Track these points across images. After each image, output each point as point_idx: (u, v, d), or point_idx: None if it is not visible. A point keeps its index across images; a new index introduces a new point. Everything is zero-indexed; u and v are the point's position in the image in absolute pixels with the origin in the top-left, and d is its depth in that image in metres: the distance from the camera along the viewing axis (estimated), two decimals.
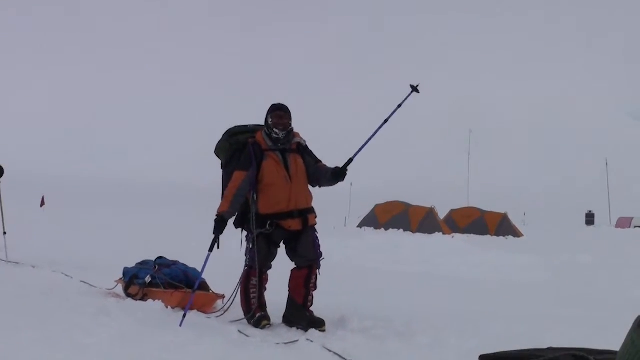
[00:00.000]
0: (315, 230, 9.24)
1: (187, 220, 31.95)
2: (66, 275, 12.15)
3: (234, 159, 9.28)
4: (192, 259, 10.87)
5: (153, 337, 7.80)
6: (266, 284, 9.20)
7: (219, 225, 8.91)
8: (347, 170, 9.12)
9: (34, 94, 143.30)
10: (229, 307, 9.34)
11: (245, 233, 9.23)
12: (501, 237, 34.50)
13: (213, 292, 10.11)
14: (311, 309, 9.06)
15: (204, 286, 10.18)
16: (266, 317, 8.98)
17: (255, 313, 9.00)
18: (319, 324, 8.80)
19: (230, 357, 7.16)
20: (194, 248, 12.23)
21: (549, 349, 6.11)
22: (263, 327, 8.78)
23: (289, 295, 9.16)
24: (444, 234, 31.66)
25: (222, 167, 9.47)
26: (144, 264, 10.76)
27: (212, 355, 7.15)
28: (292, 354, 7.53)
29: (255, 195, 9.05)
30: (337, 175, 9.12)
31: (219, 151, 9.44)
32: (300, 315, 8.96)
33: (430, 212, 35.06)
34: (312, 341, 8.01)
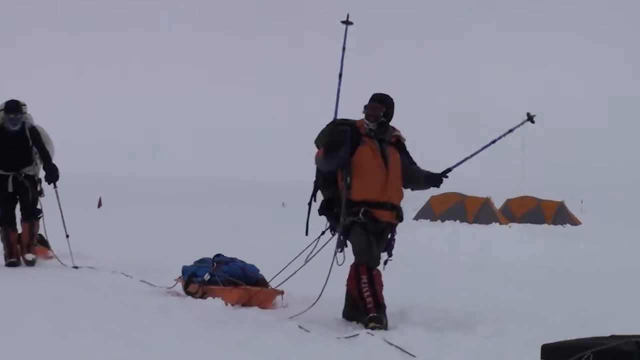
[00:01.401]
0: (395, 231, 9.05)
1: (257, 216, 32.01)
2: (126, 275, 12.23)
3: (332, 146, 8.97)
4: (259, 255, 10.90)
5: (213, 334, 7.85)
6: (380, 280, 8.82)
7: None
8: (443, 177, 9.00)
9: (91, 94, 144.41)
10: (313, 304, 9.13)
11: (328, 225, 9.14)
12: (558, 226, 34.16)
13: (272, 288, 10.11)
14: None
15: (262, 282, 10.22)
16: (376, 319, 8.52)
17: (369, 312, 8.62)
18: (377, 321, 8.59)
19: (290, 352, 7.17)
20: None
21: (612, 336, 6.06)
22: (372, 329, 8.32)
23: (347, 291, 9.03)
24: (500, 223, 31.40)
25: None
26: (202, 261, 10.78)
27: (272, 351, 7.17)
28: (352, 348, 7.51)
29: (349, 179, 8.80)
30: (433, 180, 8.99)
31: (319, 139, 9.19)
32: (358, 310, 8.78)
33: (486, 202, 34.80)
34: (372, 335, 7.98)
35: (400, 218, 9.04)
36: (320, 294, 8.95)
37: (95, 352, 6.72)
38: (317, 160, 9.00)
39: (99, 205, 36.85)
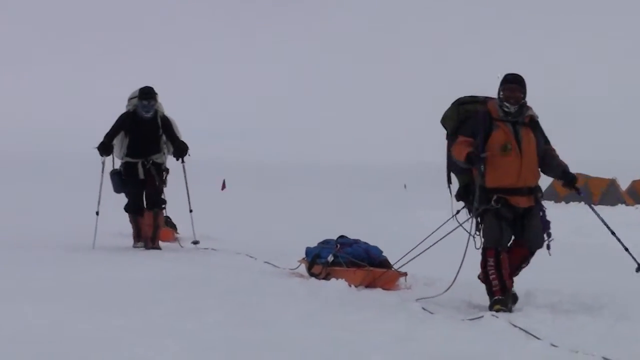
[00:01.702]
0: (543, 209, 8.87)
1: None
2: (250, 257, 12.39)
3: (461, 128, 8.88)
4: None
5: (337, 315, 7.89)
6: (507, 264, 8.63)
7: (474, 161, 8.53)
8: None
9: (221, 79, 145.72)
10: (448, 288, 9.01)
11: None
12: None
13: (395, 270, 10.08)
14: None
15: (385, 264, 10.21)
16: (501, 301, 8.45)
17: (494, 295, 8.55)
18: (515, 300, 8.62)
19: (413, 334, 7.15)
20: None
21: None
22: (497, 312, 8.24)
23: None
24: (627, 205, 30.80)
25: (447, 137, 9.11)
26: (325, 243, 10.82)
27: (396, 332, 7.16)
28: (477, 330, 7.46)
29: (482, 167, 8.57)
30: (568, 181, 8.87)
31: (445, 120, 9.06)
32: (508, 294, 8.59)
33: (612, 184, 34.17)
34: (497, 317, 7.93)
35: (538, 199, 8.82)
36: (455, 278, 8.83)
37: (222, 332, 6.82)
38: (452, 154, 8.80)
39: (223, 187, 37.38)
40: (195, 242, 13.56)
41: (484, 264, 8.67)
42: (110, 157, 13.52)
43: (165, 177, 13.53)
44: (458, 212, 9.12)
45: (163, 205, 13.57)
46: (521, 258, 8.76)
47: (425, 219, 19.89)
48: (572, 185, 8.92)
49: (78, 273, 9.85)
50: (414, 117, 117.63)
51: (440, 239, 9.31)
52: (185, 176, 13.66)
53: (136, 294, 8.41)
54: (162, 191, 13.51)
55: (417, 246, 9.66)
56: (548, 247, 8.77)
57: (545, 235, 8.77)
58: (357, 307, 8.35)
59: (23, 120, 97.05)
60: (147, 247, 13.20)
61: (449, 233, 9.19)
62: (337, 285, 9.61)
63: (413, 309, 8.37)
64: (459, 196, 8.98)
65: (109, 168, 13.54)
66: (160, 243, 13.48)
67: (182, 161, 13.53)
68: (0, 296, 7.80)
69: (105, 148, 13.31)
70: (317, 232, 12.42)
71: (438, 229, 9.37)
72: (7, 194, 28.09)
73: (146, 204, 13.43)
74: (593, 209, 9.01)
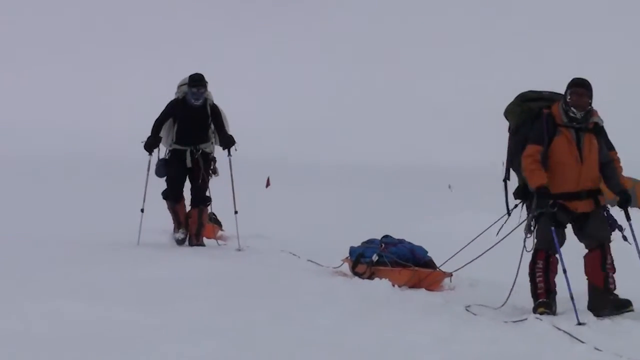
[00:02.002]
0: (606, 209, 8.68)
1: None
2: (294, 255, 12.42)
3: (524, 126, 8.74)
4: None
5: (380, 315, 7.90)
6: (556, 268, 8.55)
7: (542, 199, 8.39)
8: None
9: (268, 75, 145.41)
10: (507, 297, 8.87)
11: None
12: None
13: (440, 270, 10.06)
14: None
15: (431, 264, 10.19)
16: (545, 304, 8.39)
17: (539, 298, 8.49)
18: (625, 305, 8.29)
19: (457, 335, 7.14)
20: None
21: None
22: (541, 314, 8.19)
23: (588, 282, 8.61)
24: None
25: (509, 131, 9.01)
26: (369, 242, 10.81)
27: (439, 333, 7.15)
28: (520, 333, 7.43)
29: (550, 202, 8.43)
30: (622, 201, 8.65)
31: (508, 114, 8.94)
32: (604, 299, 8.41)
33: None
34: (541, 320, 7.89)
35: (599, 201, 8.67)
36: (514, 282, 8.76)
37: (266, 330, 6.85)
38: (524, 168, 8.59)
39: (267, 184, 37.46)
40: (239, 250, 13.10)
41: (532, 266, 8.61)
42: (161, 148, 13.27)
43: (214, 166, 13.29)
44: (514, 207, 8.96)
45: (208, 203, 13.39)
46: (596, 260, 8.56)
47: (471, 220, 19.85)
48: (624, 208, 8.70)
49: (121, 270, 9.86)
50: (448, 118, 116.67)
51: (498, 242, 9.14)
52: (231, 172, 13.40)
53: (177, 291, 8.41)
54: (207, 186, 13.28)
55: (464, 247, 9.65)
56: (624, 239, 8.54)
57: (614, 229, 8.57)
58: (401, 307, 8.37)
59: (55, 121, 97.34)
60: (190, 244, 13.05)
61: (507, 235, 9.07)
62: (381, 285, 9.63)
63: (456, 310, 8.38)
64: (517, 194, 8.83)
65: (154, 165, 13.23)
66: (204, 240, 13.40)
67: (229, 153, 13.25)
68: (45, 292, 7.85)
69: (151, 144, 13.09)
70: (362, 232, 12.43)
71: (489, 228, 9.31)
72: (50, 193, 28.33)
73: (191, 200, 13.22)
74: (634, 237, 8.61)
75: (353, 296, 8.89)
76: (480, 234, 9.48)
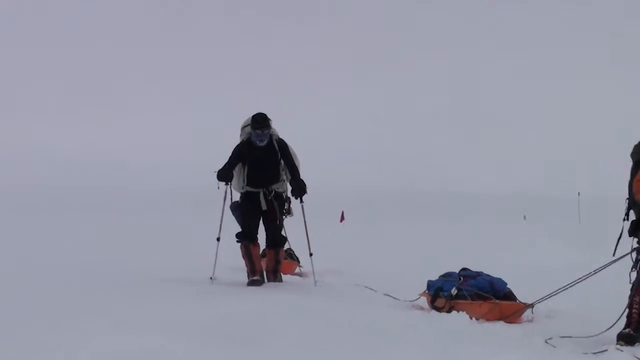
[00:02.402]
0: None
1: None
2: (370, 289, 12.45)
3: None
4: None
5: (459, 348, 7.90)
6: None
7: None
8: None
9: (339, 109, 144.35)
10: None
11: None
12: None
13: (520, 302, 10.01)
14: None
15: (510, 296, 10.16)
16: (628, 337, 8.29)
17: (626, 327, 8.38)
18: None
19: None
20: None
21: None
22: (621, 345, 8.12)
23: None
24: None
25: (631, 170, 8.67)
26: (447, 276, 10.83)
27: None
28: None
29: None
30: None
31: (632, 154, 8.65)
32: None
33: None
34: (621, 351, 7.86)
35: None
36: (621, 316, 8.59)
37: None
38: (634, 187, 8.48)
39: (342, 219, 37.44)
40: (316, 284, 12.88)
41: (631, 298, 8.47)
42: (229, 187, 12.94)
43: (289, 207, 12.98)
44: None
45: (284, 243, 13.13)
46: None
47: (549, 252, 19.79)
48: None
49: (202, 304, 9.93)
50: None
51: (593, 273, 9.10)
52: (304, 218, 13.10)
53: (262, 326, 8.52)
54: (282, 227, 13.02)
55: (568, 285, 9.43)
56: None
57: None
58: (480, 340, 8.36)
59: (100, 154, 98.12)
60: (268, 280, 12.79)
61: (604, 267, 8.99)
62: (459, 318, 9.64)
63: (535, 343, 8.36)
64: (631, 231, 8.61)
65: (229, 196, 12.92)
66: (282, 276, 13.29)
67: (301, 201, 12.94)
68: (130, 329, 7.95)
69: (224, 173, 12.73)
70: (436, 265, 12.42)
71: (600, 269, 9.08)
72: (122, 227, 28.79)
73: (267, 243, 12.96)
74: None
75: (431, 330, 8.89)
76: (590, 274, 9.23)
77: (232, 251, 13.28)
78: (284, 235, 13.21)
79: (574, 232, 28.25)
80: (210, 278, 12.69)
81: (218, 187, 12.86)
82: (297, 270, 14.93)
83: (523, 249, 20.81)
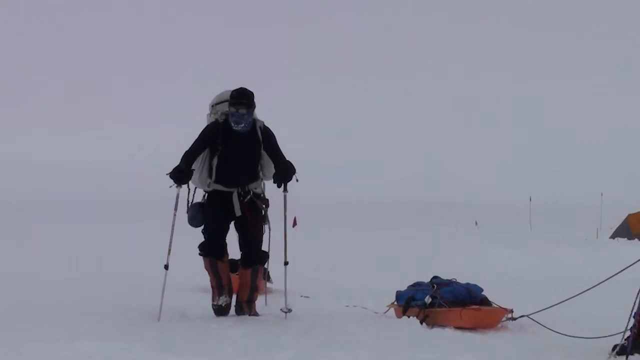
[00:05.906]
0: None
1: None
2: (352, 306, 11.75)
3: None
4: None
5: (405, 355, 7.86)
6: None
7: None
8: None
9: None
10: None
11: None
12: None
13: (499, 306, 9.83)
14: None
15: (486, 302, 9.92)
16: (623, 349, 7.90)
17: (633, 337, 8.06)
18: None
19: None
20: None
21: None
22: (615, 356, 7.83)
23: None
24: None
25: None
26: (417, 285, 10.43)
27: None
28: None
29: None
30: None
31: None
32: None
33: None
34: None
35: None
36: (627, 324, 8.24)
37: None
38: None
39: (294, 224, 37.30)
40: (287, 311, 9.99)
41: None
42: (191, 187, 10.08)
43: (266, 213, 10.10)
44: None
45: (265, 261, 10.30)
46: None
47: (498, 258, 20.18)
48: None
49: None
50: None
51: (602, 282, 9.07)
52: (285, 213, 10.11)
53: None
54: (262, 238, 10.09)
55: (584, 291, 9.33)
56: None
57: None
58: (428, 348, 8.19)
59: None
60: (241, 311, 10.02)
61: (613, 275, 8.92)
62: (408, 324, 9.53)
63: (482, 347, 8.31)
64: None
65: (183, 203, 10.00)
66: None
67: (285, 189, 9.99)
68: None
69: (180, 174, 9.67)
70: (398, 274, 12.41)
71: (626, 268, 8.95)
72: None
73: (242, 259, 10.15)
74: None
75: (380, 337, 8.72)
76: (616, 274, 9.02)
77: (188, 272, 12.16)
78: (266, 250, 10.34)
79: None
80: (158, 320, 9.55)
81: (170, 186, 9.79)
82: (266, 288, 11.68)
83: (476, 257, 21.08)
